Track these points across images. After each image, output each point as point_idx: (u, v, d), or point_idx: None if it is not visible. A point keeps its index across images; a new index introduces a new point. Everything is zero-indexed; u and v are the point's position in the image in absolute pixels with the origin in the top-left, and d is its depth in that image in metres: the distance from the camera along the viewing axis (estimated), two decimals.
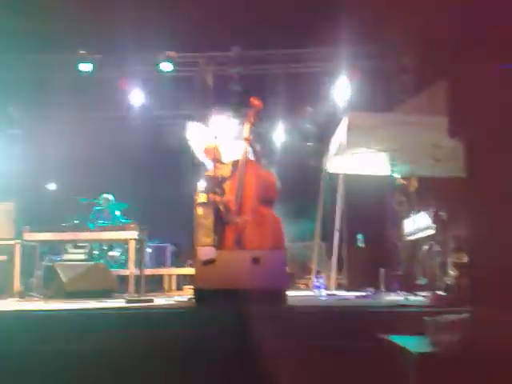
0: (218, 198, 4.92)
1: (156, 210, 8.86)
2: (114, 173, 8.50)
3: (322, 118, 8.78)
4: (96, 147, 8.93)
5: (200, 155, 5.38)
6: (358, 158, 7.05)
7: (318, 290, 5.31)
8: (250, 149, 4.98)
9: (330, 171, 7.33)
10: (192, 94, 9.71)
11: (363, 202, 7.37)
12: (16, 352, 2.90)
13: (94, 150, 8.93)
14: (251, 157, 4.99)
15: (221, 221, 4.87)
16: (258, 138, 5.19)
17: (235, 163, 5.02)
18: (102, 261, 7.63)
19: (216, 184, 4.96)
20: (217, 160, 5.03)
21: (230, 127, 5.27)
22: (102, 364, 2.96)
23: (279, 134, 9.31)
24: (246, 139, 4.95)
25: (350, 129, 6.08)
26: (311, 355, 2.97)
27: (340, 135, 6.42)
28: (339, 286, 6.27)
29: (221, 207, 4.87)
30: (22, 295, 5.97)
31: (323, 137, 8.23)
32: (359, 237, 6.82)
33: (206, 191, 5.04)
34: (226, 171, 5.05)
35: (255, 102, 5.00)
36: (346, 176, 6.35)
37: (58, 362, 2.90)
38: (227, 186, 4.93)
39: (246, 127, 4.97)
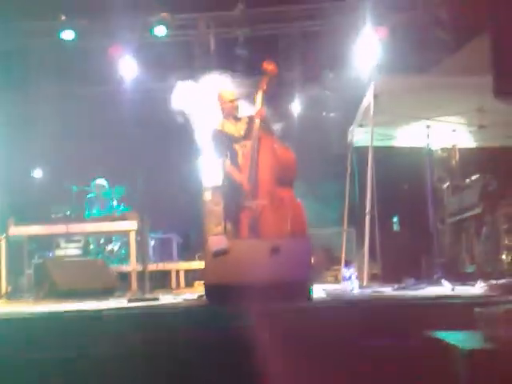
0: (232, 170, 4.87)
1: (158, 196, 8.79)
2: (107, 155, 8.53)
3: (346, 84, 8.65)
4: (85, 127, 8.93)
5: (198, 114, 5.33)
6: (390, 129, 6.98)
7: (349, 282, 5.28)
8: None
9: (357, 145, 7.25)
10: (191, 62, 9.63)
11: (397, 180, 7.32)
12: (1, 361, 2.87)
13: (83, 130, 8.93)
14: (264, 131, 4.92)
15: (233, 204, 4.83)
16: (272, 110, 5.11)
17: (251, 122, 4.93)
18: (99, 256, 7.67)
19: (228, 145, 4.92)
20: (232, 111, 4.98)
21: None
22: (102, 373, 2.92)
23: (295, 105, 9.24)
24: (259, 112, 4.86)
25: (378, 95, 5.99)
26: (343, 358, 2.90)
27: (367, 103, 6.31)
28: (373, 278, 6.27)
29: (235, 179, 4.83)
30: (10, 297, 6.00)
31: (347, 106, 8.16)
32: (394, 220, 6.79)
33: (217, 154, 4.98)
34: (237, 132, 5.00)
35: (269, 67, 4.93)
36: (376, 150, 6.25)
37: (48, 372, 2.87)
38: (243, 158, 4.90)
39: (258, 97, 4.90)
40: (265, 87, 4.90)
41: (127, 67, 9.13)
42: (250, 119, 4.96)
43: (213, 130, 5.07)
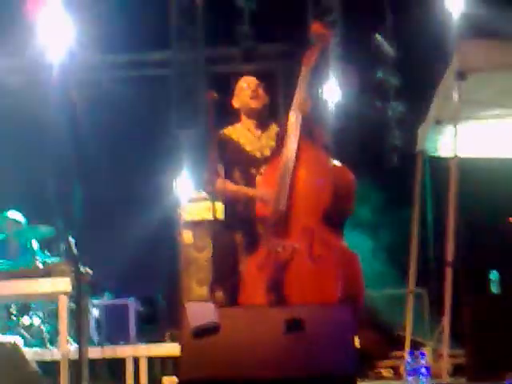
0: (232, 187, 4.92)
1: (106, 239, 8.86)
2: (25, 172, 8.55)
3: (410, 56, 8.75)
4: None
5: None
6: (483, 130, 7.08)
7: (417, 378, 5.23)
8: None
9: (432, 153, 7.30)
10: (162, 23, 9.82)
11: (497, 211, 7.29)
12: None
13: None
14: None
15: (233, 245, 4.89)
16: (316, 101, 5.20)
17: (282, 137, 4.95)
18: (8, 334, 7.63)
19: (244, 159, 5.00)
20: (253, 106, 5.06)
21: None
22: None
23: (332, 90, 9.41)
24: (301, 102, 4.88)
25: (464, 73, 6.01)
26: None
27: (448, 87, 6.36)
28: (457, 371, 6.25)
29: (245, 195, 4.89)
30: None
31: (413, 92, 8.25)
32: (492, 276, 6.78)
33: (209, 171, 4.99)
34: (258, 149, 5.05)
35: (322, 30, 4.98)
36: (464, 162, 6.26)
37: None
38: (262, 181, 4.92)
39: (303, 79, 4.91)
40: (313, 62, 4.91)
41: (58, 31, 9.21)
42: (283, 134, 4.95)
43: (215, 135, 5.09)
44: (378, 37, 9.18)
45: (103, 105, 9.81)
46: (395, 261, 8.08)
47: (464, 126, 6.55)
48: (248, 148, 5.04)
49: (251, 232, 4.86)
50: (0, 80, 10.29)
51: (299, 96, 4.88)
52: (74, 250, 5.98)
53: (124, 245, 9.09)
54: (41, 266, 7.54)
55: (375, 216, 8.67)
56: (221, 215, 5.08)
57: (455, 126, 6.21)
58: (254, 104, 5.06)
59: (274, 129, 5.11)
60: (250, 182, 4.93)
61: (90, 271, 7.10)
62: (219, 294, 4.90)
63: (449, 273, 5.68)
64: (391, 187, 8.45)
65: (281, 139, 4.95)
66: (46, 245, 8.36)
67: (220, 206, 5.09)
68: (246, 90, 5.06)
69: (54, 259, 7.97)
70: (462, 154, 6.44)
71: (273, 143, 5.05)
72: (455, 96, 6.12)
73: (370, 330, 7.44)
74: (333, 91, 9.44)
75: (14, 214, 8.41)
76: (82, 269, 6.39)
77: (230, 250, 4.92)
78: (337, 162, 4.91)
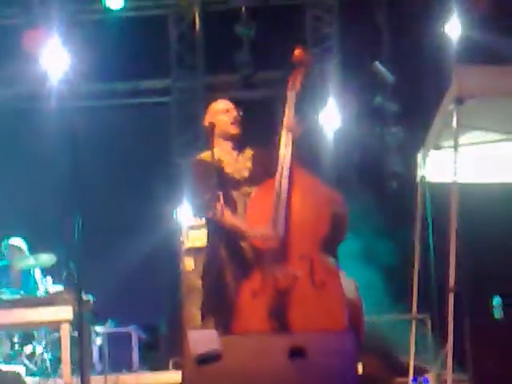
0: (232, 220, 4.80)
1: (109, 267, 8.84)
2: (27, 202, 8.51)
3: (411, 80, 8.77)
4: None
5: None
6: (483, 155, 7.02)
7: None
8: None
9: (432, 180, 7.30)
10: (164, 52, 9.83)
11: (499, 237, 7.26)
12: None
13: None
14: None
15: (234, 270, 4.78)
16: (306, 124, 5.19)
17: (259, 157, 4.96)
18: (10, 363, 7.60)
19: (224, 181, 4.88)
20: (229, 129, 5.00)
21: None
22: None
23: (329, 114, 9.41)
24: (291, 123, 4.89)
25: (463, 99, 6.00)
26: None
27: (447, 112, 6.36)
28: None
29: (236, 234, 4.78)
30: None
31: (412, 117, 8.25)
32: (495, 302, 6.75)
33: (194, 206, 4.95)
34: (237, 170, 5.01)
35: (303, 56, 5.04)
36: (464, 188, 6.23)
37: None
38: (252, 206, 4.85)
39: (289, 102, 4.94)
40: (299, 86, 4.96)
41: (59, 60, 9.27)
42: (259, 155, 4.97)
43: (195, 161, 5.07)
44: (377, 64, 9.18)
45: (103, 133, 9.83)
46: (398, 283, 8.04)
47: (463, 152, 6.52)
48: (227, 170, 4.97)
49: (242, 258, 4.79)
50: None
51: (287, 119, 4.88)
52: (76, 278, 6.00)
53: (126, 273, 9.05)
54: (43, 294, 7.51)
55: (377, 238, 8.64)
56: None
57: (455, 151, 6.19)
58: (235, 130, 5.01)
59: (249, 152, 5.05)
60: (230, 204, 4.82)
61: (93, 299, 7.09)
62: (210, 322, 4.83)
63: (451, 298, 5.63)
64: (393, 209, 8.42)
65: (264, 162, 4.94)
66: (48, 273, 8.35)
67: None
68: (226, 115, 5.00)
69: (56, 287, 7.95)
70: (462, 180, 6.42)
71: (249, 165, 4.98)
72: (454, 121, 6.11)
73: (373, 356, 7.41)
74: (331, 117, 9.45)
75: (17, 241, 8.40)
76: (84, 297, 6.39)
77: (220, 276, 4.78)
78: (329, 188, 4.89)
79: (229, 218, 4.77)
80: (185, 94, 10.45)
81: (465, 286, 6.02)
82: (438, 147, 6.90)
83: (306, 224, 4.70)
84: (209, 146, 4.94)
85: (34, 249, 8.43)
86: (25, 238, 8.48)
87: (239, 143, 5.08)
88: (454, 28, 8.95)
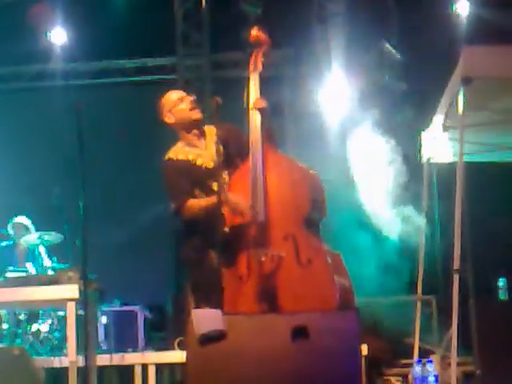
0: (201, 201, 4.78)
1: (114, 245, 8.86)
2: (32, 181, 8.52)
3: (416, 60, 8.73)
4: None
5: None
6: (492, 134, 7.05)
7: None
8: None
9: (437, 160, 7.33)
10: (170, 29, 9.82)
11: (505, 217, 7.25)
12: None
13: None
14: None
15: (227, 246, 4.75)
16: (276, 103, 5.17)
17: (227, 134, 4.91)
18: (17, 342, 7.63)
19: (198, 175, 4.85)
20: (190, 118, 4.93)
21: None
22: None
23: (326, 95, 9.42)
24: (258, 101, 4.89)
25: (470, 79, 5.97)
26: None
27: (453, 93, 6.34)
28: (467, 379, 6.25)
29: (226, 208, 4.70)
30: None
31: (418, 98, 8.25)
32: (501, 282, 6.75)
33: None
34: (206, 160, 4.92)
35: (260, 35, 5.04)
36: (470, 168, 6.27)
37: None
38: (234, 181, 4.82)
39: (253, 82, 4.95)
40: (260, 66, 4.98)
41: (62, 40, 9.28)
42: (226, 131, 4.91)
43: (161, 162, 4.98)
44: (385, 43, 9.14)
45: (109, 110, 9.82)
46: (402, 266, 8.02)
47: (469, 132, 6.51)
48: (199, 162, 4.91)
49: (224, 244, 4.75)
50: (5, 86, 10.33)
51: (256, 101, 4.87)
52: (81, 257, 6.00)
53: (134, 251, 9.06)
54: (49, 272, 7.52)
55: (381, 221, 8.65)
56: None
57: (461, 132, 6.18)
58: (196, 115, 4.94)
59: (211, 130, 5.00)
60: (209, 195, 4.79)
61: (98, 278, 7.10)
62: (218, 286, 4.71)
63: (456, 280, 5.64)
64: (398, 191, 8.40)
65: (234, 138, 4.92)
66: (54, 251, 8.37)
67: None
68: (182, 104, 4.95)
69: (62, 266, 7.96)
70: (468, 159, 6.41)
71: (219, 146, 4.85)
72: (460, 101, 6.09)
73: (378, 337, 7.45)
74: (336, 96, 9.44)
75: (22, 219, 8.43)
76: (89, 276, 6.40)
77: (207, 265, 4.76)
78: (303, 165, 4.85)
79: (198, 201, 4.76)
80: (191, 71, 10.44)
81: (470, 268, 6.03)
82: (444, 128, 6.90)
83: (286, 204, 4.69)
84: (175, 142, 4.97)
85: (39, 228, 8.46)
86: (30, 218, 8.51)
87: (201, 128, 5.01)
88: (463, 6, 8.93)
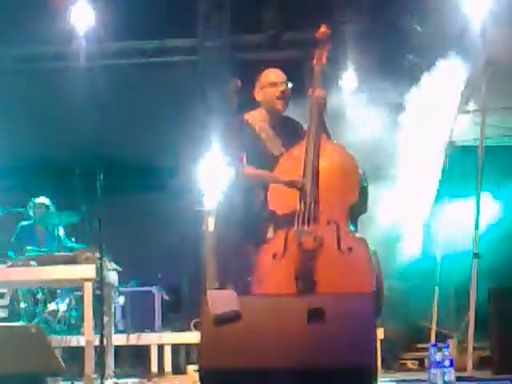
0: (258, 171, 4.86)
1: (132, 227, 8.86)
2: (51, 160, 8.54)
3: (436, 43, 8.63)
4: (17, 113, 9.11)
5: None
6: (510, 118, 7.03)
7: (441, 370, 5.14)
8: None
9: (459, 144, 7.32)
10: (191, 10, 9.80)
11: None
12: None
13: (14, 118, 9.09)
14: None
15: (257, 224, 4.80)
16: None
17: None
18: (35, 321, 7.69)
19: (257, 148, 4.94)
20: (276, 102, 5.00)
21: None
22: None
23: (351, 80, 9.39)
24: (318, 93, 4.96)
25: (493, 63, 6.09)
26: None
27: (475, 77, 6.33)
28: (483, 364, 6.18)
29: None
30: None
31: None
32: None
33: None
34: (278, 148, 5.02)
35: (326, 32, 5.15)
36: (491, 151, 6.29)
37: None
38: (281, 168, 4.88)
39: (316, 76, 5.04)
40: (325, 61, 5.08)
41: (84, 18, 9.24)
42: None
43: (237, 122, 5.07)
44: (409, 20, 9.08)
45: (130, 91, 9.83)
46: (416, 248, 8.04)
47: (491, 115, 6.49)
48: (263, 135, 5.02)
49: (258, 221, 4.82)
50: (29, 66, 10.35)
51: (318, 92, 4.96)
52: (100, 237, 6.04)
53: (151, 233, 9.06)
54: (66, 252, 7.58)
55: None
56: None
57: (483, 115, 6.16)
58: (280, 105, 5.04)
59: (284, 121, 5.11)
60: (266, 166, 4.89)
61: (115, 258, 7.12)
62: (230, 289, 4.80)
63: (475, 264, 5.63)
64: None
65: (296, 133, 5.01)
66: (72, 231, 8.40)
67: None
68: (275, 88, 5.01)
69: (80, 246, 8.00)
70: (489, 143, 6.40)
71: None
72: (483, 84, 6.07)
73: (395, 321, 7.40)
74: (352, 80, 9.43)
75: (43, 199, 8.46)
76: (107, 256, 6.44)
77: (237, 242, 4.85)
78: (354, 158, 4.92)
79: (252, 170, 4.85)
80: (212, 53, 10.43)
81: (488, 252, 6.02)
82: (466, 111, 6.89)
83: (334, 191, 4.77)
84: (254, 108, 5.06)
85: (59, 208, 8.50)
86: (50, 198, 8.55)
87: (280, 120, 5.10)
88: None
